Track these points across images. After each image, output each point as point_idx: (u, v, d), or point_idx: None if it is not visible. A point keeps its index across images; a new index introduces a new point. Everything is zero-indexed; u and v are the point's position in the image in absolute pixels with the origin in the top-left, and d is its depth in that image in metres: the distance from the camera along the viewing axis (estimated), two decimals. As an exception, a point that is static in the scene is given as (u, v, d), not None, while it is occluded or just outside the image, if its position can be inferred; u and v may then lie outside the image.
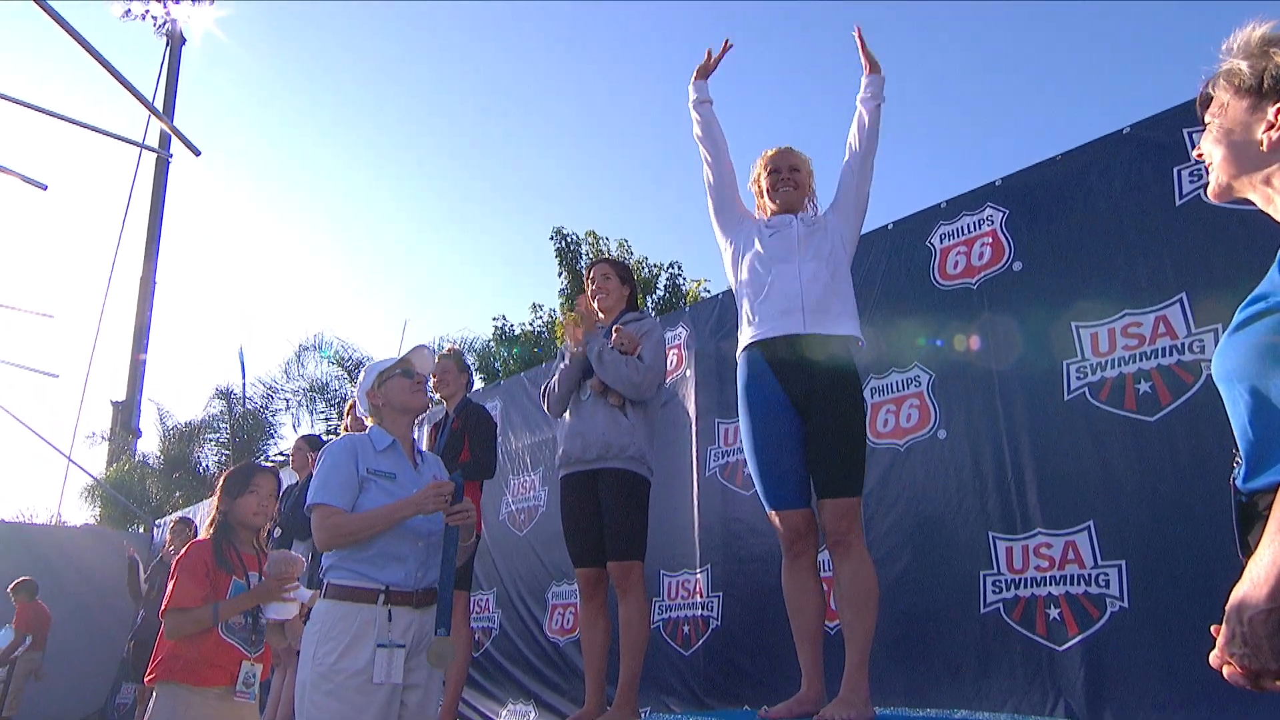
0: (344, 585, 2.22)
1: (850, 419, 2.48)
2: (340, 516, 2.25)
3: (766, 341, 2.58)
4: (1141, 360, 2.83)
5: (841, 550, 2.40)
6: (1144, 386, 2.80)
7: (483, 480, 3.90)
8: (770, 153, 2.91)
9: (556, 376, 3.33)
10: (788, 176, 2.83)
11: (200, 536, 2.90)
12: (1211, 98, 1.16)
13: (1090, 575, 2.78)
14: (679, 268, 15.07)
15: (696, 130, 2.95)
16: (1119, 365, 2.88)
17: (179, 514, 9.05)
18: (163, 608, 2.66)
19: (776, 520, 2.51)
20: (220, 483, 2.92)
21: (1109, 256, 2.99)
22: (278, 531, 4.67)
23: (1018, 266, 3.24)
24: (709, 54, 3.00)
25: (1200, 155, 1.18)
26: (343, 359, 14.87)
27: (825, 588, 2.57)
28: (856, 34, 2.82)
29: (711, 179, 2.88)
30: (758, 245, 2.72)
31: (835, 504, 2.41)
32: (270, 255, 45.38)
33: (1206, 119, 1.16)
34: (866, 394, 3.48)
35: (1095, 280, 3.00)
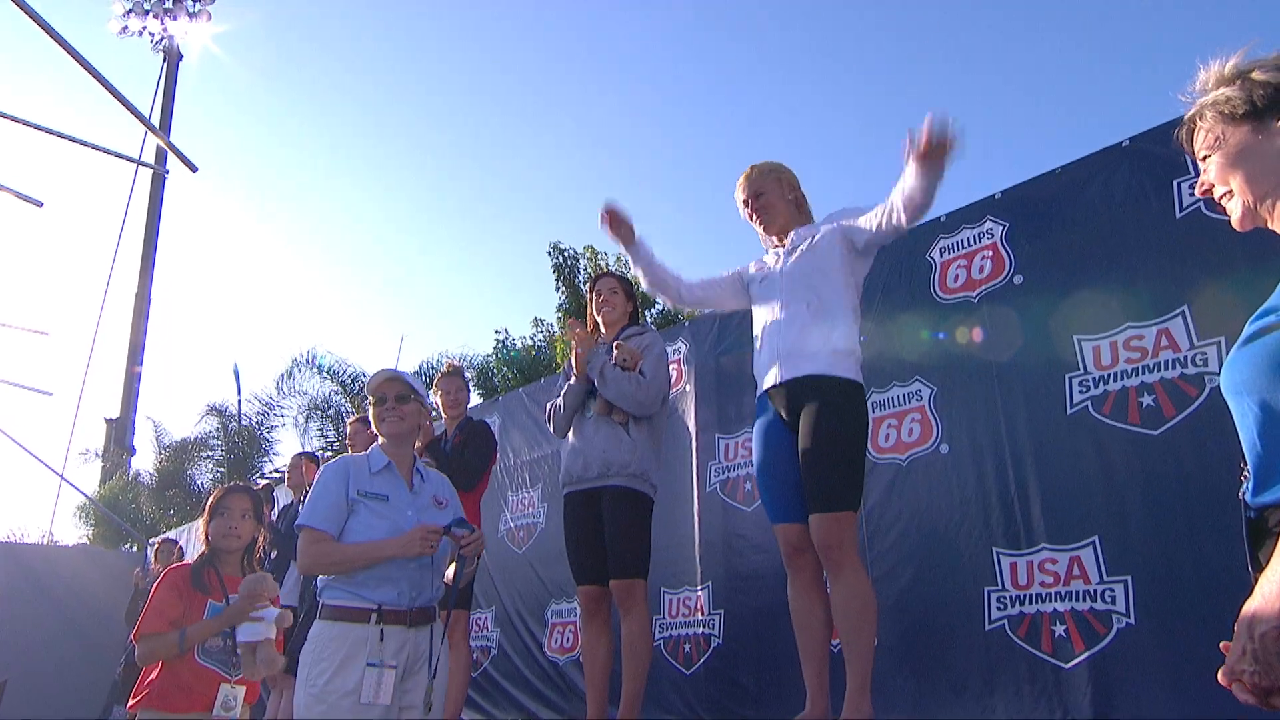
0: (337, 605, 2.22)
1: (837, 433, 2.45)
2: (325, 544, 2.26)
3: (766, 390, 2.66)
4: (1144, 373, 2.83)
5: (833, 567, 2.38)
6: (1147, 400, 2.80)
7: (459, 486, 3.85)
8: (738, 180, 2.86)
9: (561, 396, 3.33)
10: (756, 207, 2.78)
11: (188, 560, 2.90)
12: (1193, 135, 1.17)
13: (1096, 591, 2.77)
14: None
15: (646, 285, 3.00)
16: (1122, 378, 2.88)
17: (164, 535, 9.00)
18: (133, 634, 2.66)
19: (778, 535, 2.50)
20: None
21: (1110, 269, 2.99)
22: (274, 552, 4.63)
23: (1018, 280, 3.25)
24: (611, 219, 2.81)
25: (1207, 188, 1.18)
26: (338, 374, 14.83)
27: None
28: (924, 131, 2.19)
29: (702, 299, 2.95)
30: (753, 298, 2.76)
31: (820, 519, 2.40)
32: (266, 270, 45.46)
33: (1202, 153, 1.17)
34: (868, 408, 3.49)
35: (1097, 293, 3.00)
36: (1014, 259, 3.28)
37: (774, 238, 2.83)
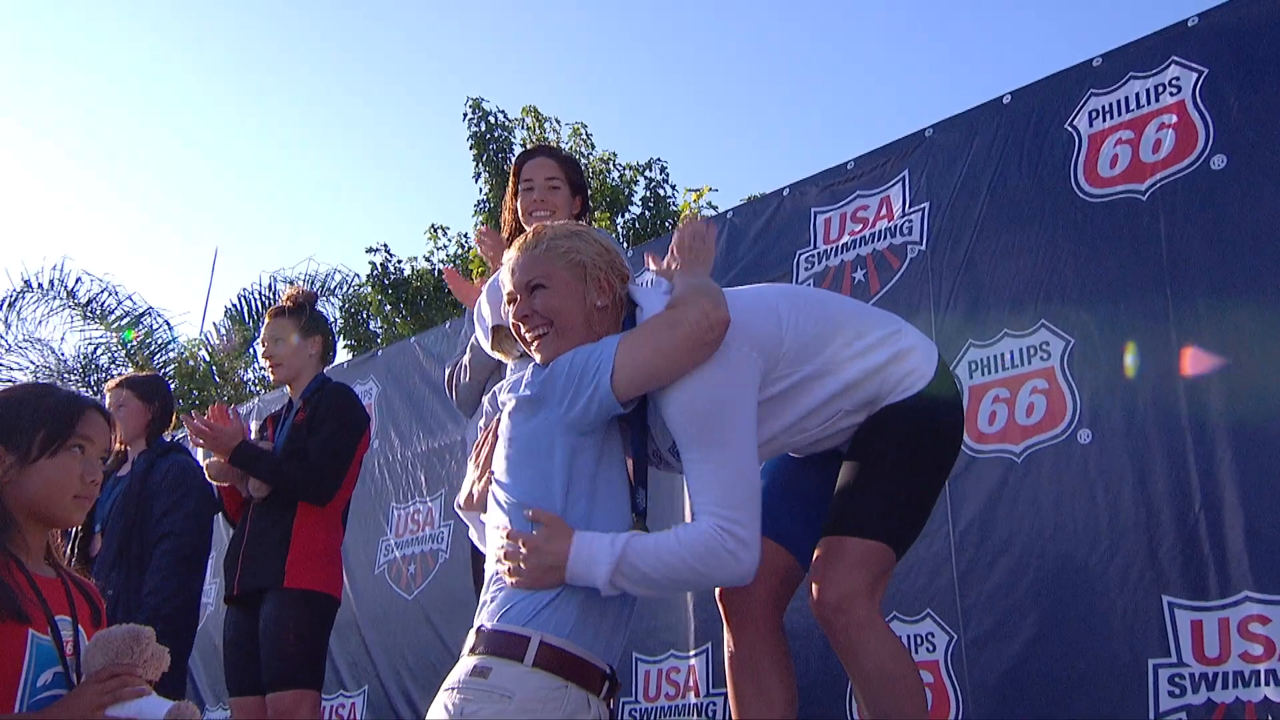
0: (573, 655, 2.09)
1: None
2: None
3: None
4: None
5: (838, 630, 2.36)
6: None
7: (304, 497, 3.68)
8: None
9: (468, 353, 3.33)
10: (524, 313, 2.26)
11: None
12: None
13: (1336, 670, 2.73)
14: (664, 171, 14.87)
15: None
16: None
17: None
18: None
19: None
20: None
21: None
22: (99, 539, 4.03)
23: (1219, 163, 3.20)
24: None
25: None
26: (105, 308, 14.00)
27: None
28: None
29: None
30: None
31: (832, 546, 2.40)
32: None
33: None
34: (963, 371, 3.58)
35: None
36: (1213, 128, 3.23)
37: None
